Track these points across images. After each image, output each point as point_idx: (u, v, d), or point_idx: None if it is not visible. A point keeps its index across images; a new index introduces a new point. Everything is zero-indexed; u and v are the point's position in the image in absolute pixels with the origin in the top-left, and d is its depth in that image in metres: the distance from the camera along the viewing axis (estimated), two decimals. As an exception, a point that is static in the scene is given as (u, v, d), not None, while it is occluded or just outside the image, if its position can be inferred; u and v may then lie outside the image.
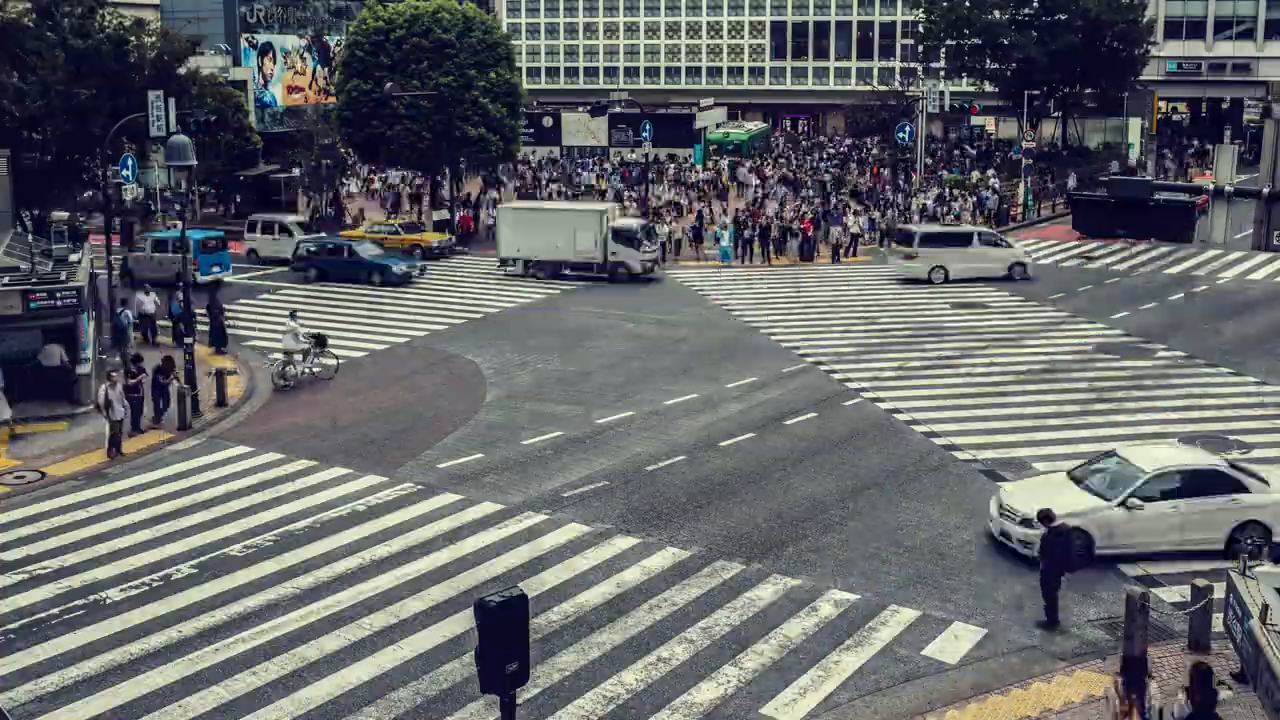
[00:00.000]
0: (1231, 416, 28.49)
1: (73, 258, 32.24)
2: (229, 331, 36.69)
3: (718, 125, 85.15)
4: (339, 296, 43.77)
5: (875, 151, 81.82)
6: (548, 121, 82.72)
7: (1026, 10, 71.70)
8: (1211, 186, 25.56)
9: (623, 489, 24.23)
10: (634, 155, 73.50)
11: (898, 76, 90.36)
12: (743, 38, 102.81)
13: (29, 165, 39.60)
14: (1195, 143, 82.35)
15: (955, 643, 17.81)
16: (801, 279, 46.81)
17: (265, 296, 43.89)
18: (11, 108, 39.00)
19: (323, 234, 51.58)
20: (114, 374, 27.82)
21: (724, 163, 76.53)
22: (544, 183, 70.79)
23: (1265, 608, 13.06)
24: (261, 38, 74.27)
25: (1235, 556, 17.91)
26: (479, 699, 15.83)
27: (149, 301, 37.07)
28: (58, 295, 29.49)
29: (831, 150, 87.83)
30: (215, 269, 44.94)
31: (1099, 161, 71.64)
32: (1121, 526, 20.15)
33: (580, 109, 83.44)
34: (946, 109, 69.07)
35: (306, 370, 32.59)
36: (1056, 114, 76.59)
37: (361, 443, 27.32)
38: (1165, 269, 48.27)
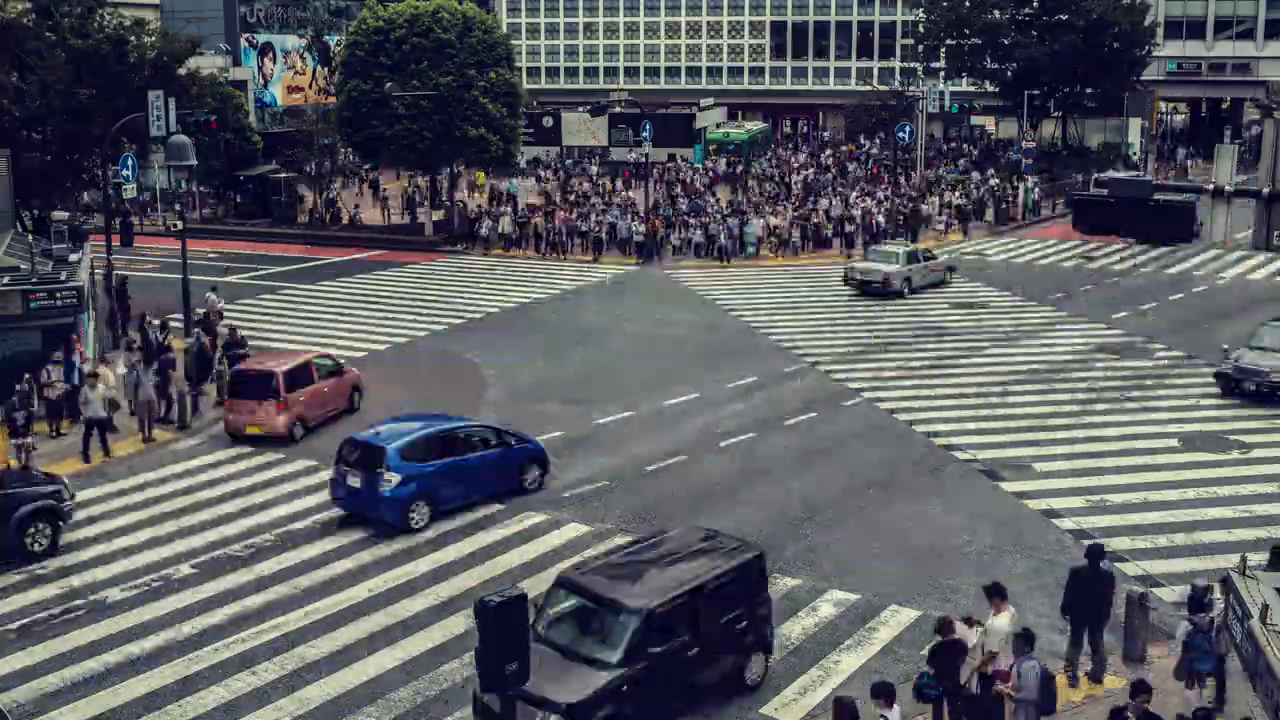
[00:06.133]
0: (1231, 416, 28.49)
1: (73, 258, 32.24)
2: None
3: (718, 125, 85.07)
4: (338, 296, 43.76)
5: (875, 151, 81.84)
6: (548, 121, 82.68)
7: (1027, 10, 71.67)
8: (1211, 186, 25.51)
9: (623, 489, 24.22)
10: (632, 155, 73.47)
11: (898, 76, 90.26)
12: (743, 38, 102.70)
13: (29, 165, 39.59)
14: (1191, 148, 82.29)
15: (955, 643, 17.78)
16: (802, 279, 46.77)
17: (266, 297, 43.88)
18: (11, 108, 38.97)
19: None
20: (95, 373, 27.72)
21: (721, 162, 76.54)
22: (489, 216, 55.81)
23: (1265, 608, 13.04)
24: (261, 38, 74.35)
25: None
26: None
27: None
28: (58, 295, 29.49)
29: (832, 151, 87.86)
30: None
31: (1102, 161, 71.61)
32: None
33: (580, 109, 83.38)
34: (946, 109, 68.99)
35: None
36: (1056, 114, 76.56)
37: (361, 443, 27.27)
38: (1165, 269, 48.27)
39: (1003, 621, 15.06)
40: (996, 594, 15.51)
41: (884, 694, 13.43)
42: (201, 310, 35.43)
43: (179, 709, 16.33)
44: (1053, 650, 17.07)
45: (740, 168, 74.64)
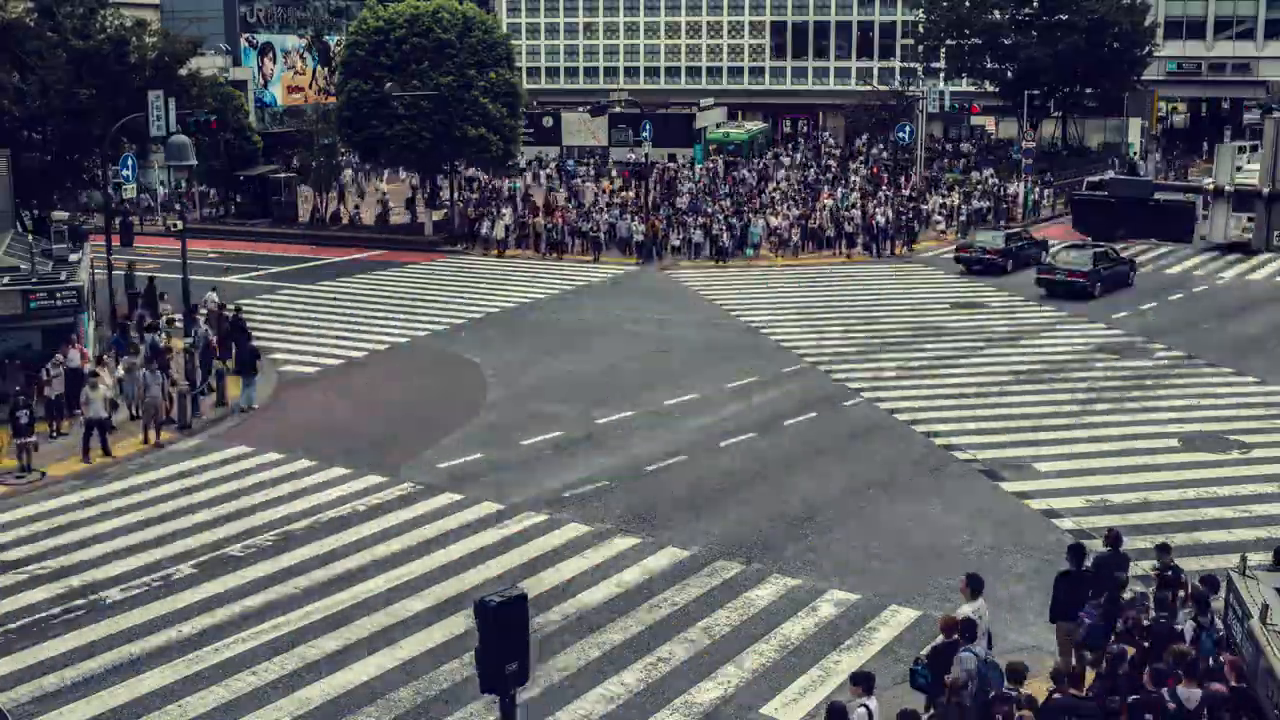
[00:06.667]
0: (1231, 416, 28.49)
1: (73, 258, 32.24)
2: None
3: (718, 125, 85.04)
4: (338, 296, 43.77)
5: (875, 151, 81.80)
6: (548, 121, 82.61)
7: (1027, 10, 71.67)
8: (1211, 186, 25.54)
9: (623, 489, 24.22)
10: (632, 155, 73.41)
11: (898, 76, 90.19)
12: (743, 38, 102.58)
13: (29, 165, 39.59)
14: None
15: (955, 643, 17.77)
16: (802, 279, 46.79)
17: (266, 297, 43.87)
18: (12, 108, 38.97)
19: None
20: (96, 373, 27.70)
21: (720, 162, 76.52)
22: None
23: (1265, 608, 13.05)
24: (261, 38, 74.37)
25: None
26: (479, 699, 15.81)
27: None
28: (58, 295, 29.50)
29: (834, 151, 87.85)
30: None
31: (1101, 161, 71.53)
32: None
33: (580, 109, 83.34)
34: (946, 109, 68.92)
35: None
36: (1056, 114, 76.55)
37: (361, 443, 27.31)
38: (1165, 269, 48.27)
39: (965, 610, 15.10)
40: (971, 584, 15.56)
41: (862, 681, 13.46)
42: (204, 311, 35.38)
43: (179, 709, 16.32)
44: (1048, 650, 17.04)
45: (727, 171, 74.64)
